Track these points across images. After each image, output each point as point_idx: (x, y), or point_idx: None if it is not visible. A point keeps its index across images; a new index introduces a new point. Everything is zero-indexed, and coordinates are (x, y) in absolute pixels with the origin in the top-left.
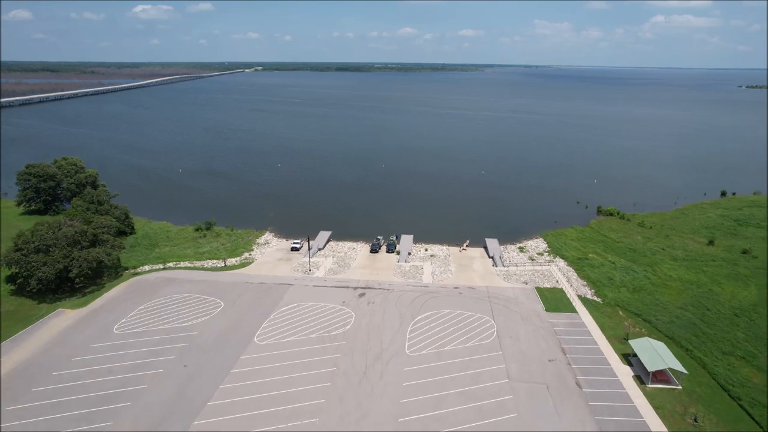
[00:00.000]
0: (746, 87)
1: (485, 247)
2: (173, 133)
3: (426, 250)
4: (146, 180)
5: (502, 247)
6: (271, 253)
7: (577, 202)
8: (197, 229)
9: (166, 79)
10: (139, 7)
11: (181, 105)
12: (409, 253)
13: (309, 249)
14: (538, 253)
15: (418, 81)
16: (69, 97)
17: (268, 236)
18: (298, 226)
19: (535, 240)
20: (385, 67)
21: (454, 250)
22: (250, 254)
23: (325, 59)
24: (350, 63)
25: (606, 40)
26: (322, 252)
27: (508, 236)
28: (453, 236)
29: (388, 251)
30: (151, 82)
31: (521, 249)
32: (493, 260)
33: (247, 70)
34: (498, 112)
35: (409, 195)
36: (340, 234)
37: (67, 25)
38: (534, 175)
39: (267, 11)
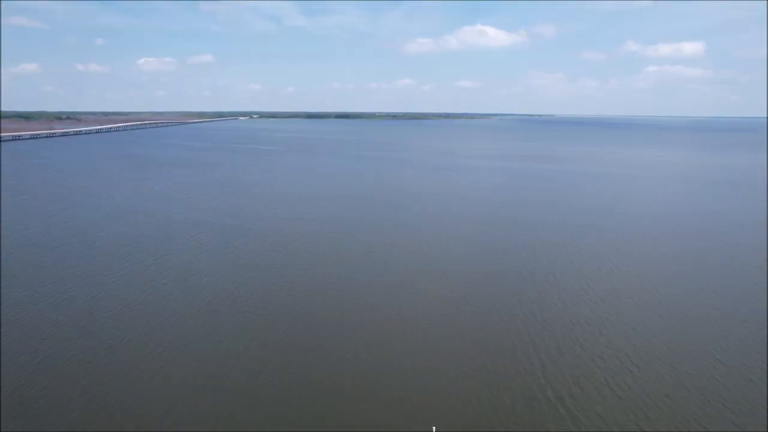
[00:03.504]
0: None
1: None
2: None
3: None
4: None
5: None
6: None
7: None
8: None
9: (132, 125)
10: (142, 60)
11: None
12: None
13: None
14: None
15: (430, 128)
16: None
17: None
18: None
19: None
20: (387, 116)
21: None
22: None
23: (326, 109)
24: (351, 112)
25: (601, 90)
26: None
27: None
28: None
29: None
30: (110, 128)
31: None
32: None
33: (241, 118)
34: (564, 163)
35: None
36: None
37: (75, 77)
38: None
39: (269, 65)
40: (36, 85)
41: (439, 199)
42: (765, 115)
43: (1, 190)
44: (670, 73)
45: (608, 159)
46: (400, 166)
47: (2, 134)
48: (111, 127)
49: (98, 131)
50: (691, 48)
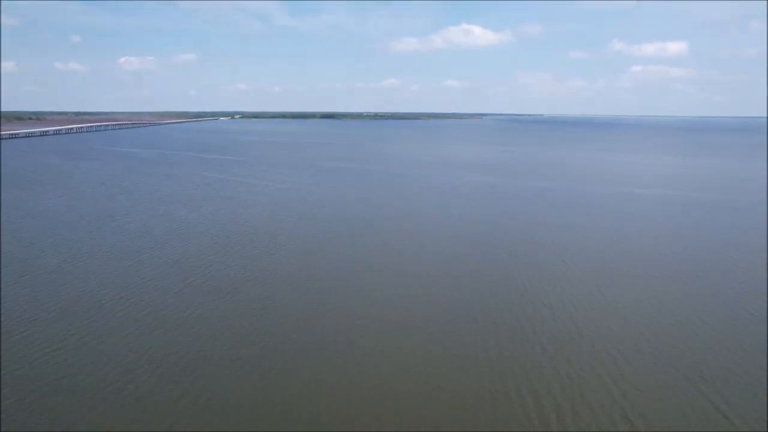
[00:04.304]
0: None
1: None
2: None
3: None
4: None
5: None
6: None
7: None
8: None
9: (97, 126)
10: (123, 58)
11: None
12: None
13: None
14: None
15: (419, 129)
16: None
17: None
18: None
19: None
20: (375, 116)
21: None
22: None
23: (313, 108)
24: (337, 112)
25: (589, 89)
26: None
27: None
28: None
29: None
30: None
31: None
32: None
33: (222, 118)
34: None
35: None
36: None
37: (55, 77)
38: None
39: (255, 65)
40: (14, 83)
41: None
42: (748, 115)
43: None
44: (654, 73)
45: (608, 170)
46: (394, 190)
47: None
48: (60, 129)
49: (43, 134)
50: (675, 48)
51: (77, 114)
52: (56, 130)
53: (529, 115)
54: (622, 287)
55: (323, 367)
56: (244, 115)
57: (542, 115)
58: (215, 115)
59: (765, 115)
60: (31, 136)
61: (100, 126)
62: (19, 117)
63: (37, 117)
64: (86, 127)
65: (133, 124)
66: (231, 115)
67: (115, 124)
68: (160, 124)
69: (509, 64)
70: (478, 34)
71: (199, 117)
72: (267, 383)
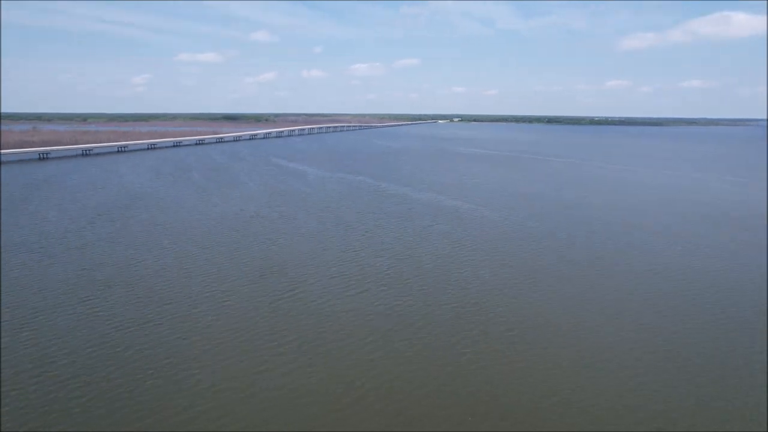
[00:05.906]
0: None
1: None
2: None
3: None
4: None
5: None
6: None
7: None
8: None
9: (309, 128)
10: (355, 65)
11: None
12: None
13: None
14: None
15: (664, 138)
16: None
17: None
18: None
19: None
20: (606, 121)
21: None
22: None
23: (528, 112)
24: (561, 116)
25: None
26: None
27: None
28: None
29: None
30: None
31: None
32: None
33: (440, 121)
34: None
35: None
36: None
37: (301, 83)
38: None
39: (473, 68)
40: (273, 90)
41: None
42: None
43: None
44: None
45: None
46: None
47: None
48: (270, 132)
49: (252, 137)
50: None
51: (311, 115)
52: (266, 134)
53: None
54: None
55: None
56: (462, 118)
57: None
58: (434, 117)
59: None
60: (239, 140)
61: (312, 129)
62: (257, 118)
63: (275, 119)
64: (297, 129)
65: (348, 127)
66: (449, 118)
67: (328, 127)
68: (374, 127)
69: None
70: (738, 23)
71: (418, 119)
72: None
